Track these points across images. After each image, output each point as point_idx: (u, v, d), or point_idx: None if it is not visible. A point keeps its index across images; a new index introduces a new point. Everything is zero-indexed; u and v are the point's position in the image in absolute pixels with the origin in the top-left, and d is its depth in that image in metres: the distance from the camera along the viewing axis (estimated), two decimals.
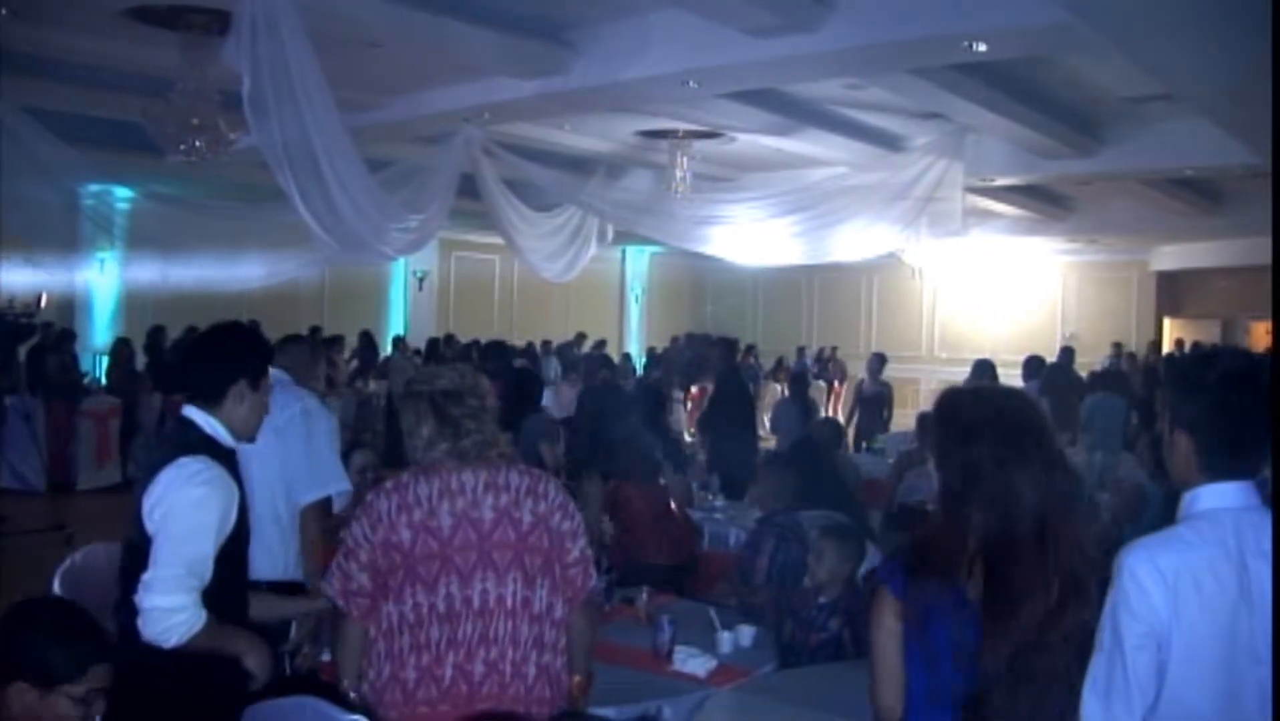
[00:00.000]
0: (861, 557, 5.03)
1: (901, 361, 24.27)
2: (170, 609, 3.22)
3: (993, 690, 2.58)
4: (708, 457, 9.96)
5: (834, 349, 23.15)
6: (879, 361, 14.79)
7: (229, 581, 3.45)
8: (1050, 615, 2.58)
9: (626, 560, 6.25)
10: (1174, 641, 2.52)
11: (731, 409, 10.07)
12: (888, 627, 2.70)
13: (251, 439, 3.65)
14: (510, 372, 10.21)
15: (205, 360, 3.65)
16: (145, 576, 3.26)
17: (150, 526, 3.32)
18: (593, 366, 14.95)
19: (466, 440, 3.31)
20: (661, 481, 7.14)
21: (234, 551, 3.46)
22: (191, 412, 3.53)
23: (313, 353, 5.62)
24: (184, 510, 3.31)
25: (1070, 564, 2.60)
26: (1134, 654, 2.50)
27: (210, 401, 3.52)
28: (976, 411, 2.80)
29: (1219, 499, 2.62)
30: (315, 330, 14.79)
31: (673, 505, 6.93)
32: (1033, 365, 12.83)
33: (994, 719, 2.59)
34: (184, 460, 3.37)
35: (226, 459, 3.48)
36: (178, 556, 3.27)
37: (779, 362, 22.25)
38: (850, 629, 4.76)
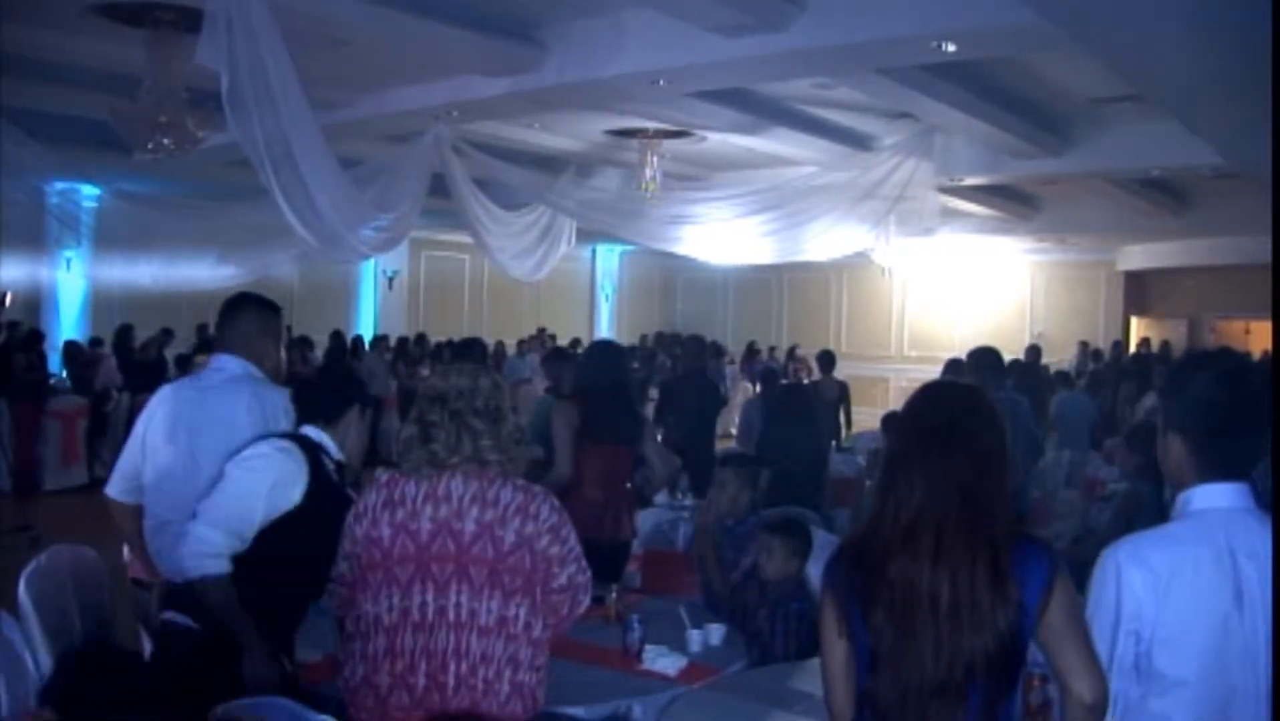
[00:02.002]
0: (807, 552, 4.99)
1: (871, 360, 24.41)
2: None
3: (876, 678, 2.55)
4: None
5: (793, 347, 23.20)
6: (827, 360, 14.57)
7: (271, 575, 3.71)
8: (913, 603, 2.50)
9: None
10: (1160, 638, 2.53)
11: (694, 406, 10.05)
12: (829, 624, 2.66)
13: (356, 465, 4.23)
14: None
15: (327, 387, 4.29)
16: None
17: None
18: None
19: (436, 444, 3.28)
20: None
21: (285, 548, 3.73)
22: (307, 429, 4.02)
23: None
24: (246, 463, 3.77)
25: (939, 551, 2.50)
26: (1117, 645, 2.55)
27: (329, 421, 4.04)
28: (906, 406, 2.79)
29: (1212, 499, 2.65)
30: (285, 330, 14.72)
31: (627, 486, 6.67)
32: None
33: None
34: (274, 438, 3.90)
35: (337, 470, 3.99)
36: (225, 497, 3.70)
37: (749, 348, 22.37)
38: (771, 619, 4.77)
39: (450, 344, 16.66)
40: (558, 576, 3.29)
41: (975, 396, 2.75)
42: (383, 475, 3.36)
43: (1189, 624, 2.57)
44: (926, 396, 2.78)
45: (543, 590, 3.27)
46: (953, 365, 10.63)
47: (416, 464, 3.29)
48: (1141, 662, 2.59)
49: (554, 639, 3.41)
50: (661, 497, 8.37)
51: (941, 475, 2.53)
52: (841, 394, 13.81)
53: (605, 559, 5.56)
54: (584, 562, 3.38)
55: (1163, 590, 2.56)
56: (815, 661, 4.38)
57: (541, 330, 22.07)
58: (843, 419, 13.69)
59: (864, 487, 9.39)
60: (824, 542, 5.22)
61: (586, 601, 3.45)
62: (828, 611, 2.66)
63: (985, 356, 8.05)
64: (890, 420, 2.78)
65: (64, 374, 15.16)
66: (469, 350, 9.81)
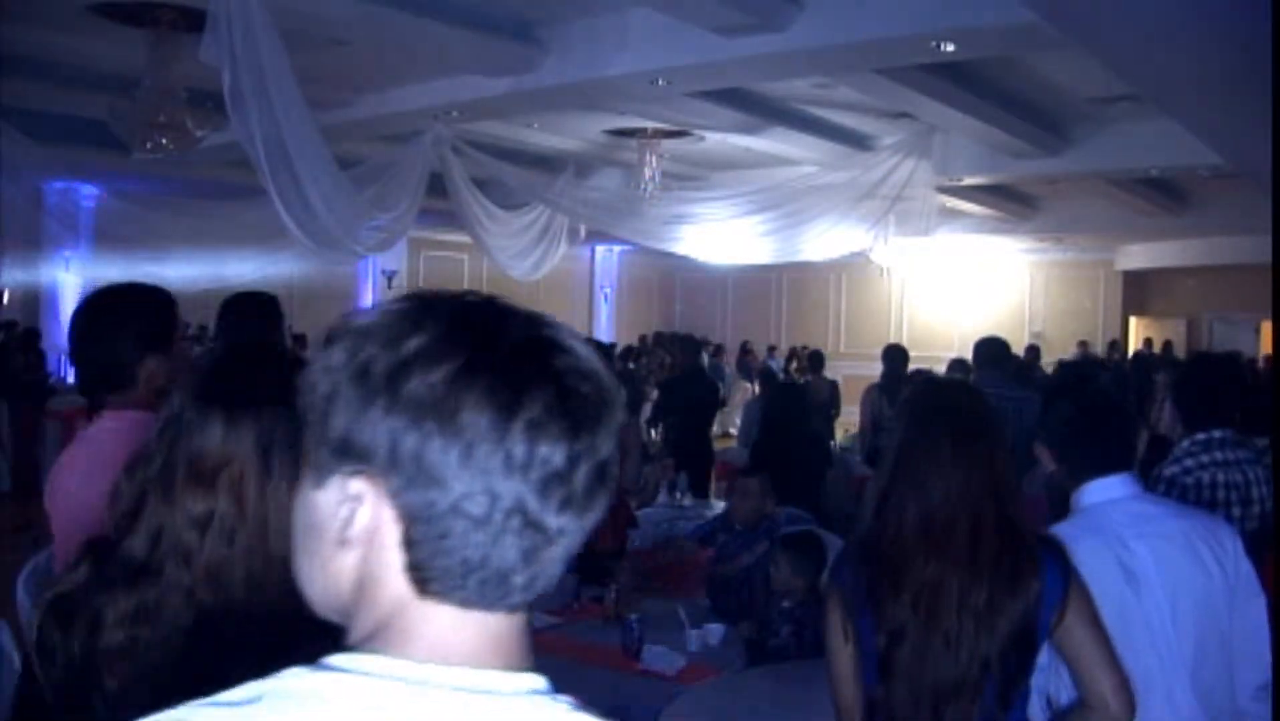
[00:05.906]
0: (821, 567, 4.94)
1: (870, 360, 24.31)
2: None
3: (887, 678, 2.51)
4: (669, 454, 9.93)
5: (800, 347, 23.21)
6: (817, 360, 14.58)
7: None
8: (941, 604, 2.46)
9: None
10: None
11: (691, 405, 10.06)
12: (835, 629, 2.61)
13: None
14: None
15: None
16: None
17: None
18: None
19: None
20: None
21: None
22: None
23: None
24: None
25: (949, 550, 2.47)
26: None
27: None
28: (919, 407, 2.73)
29: (1101, 492, 2.86)
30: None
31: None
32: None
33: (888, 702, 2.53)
34: None
35: None
36: None
37: (743, 348, 22.35)
38: (798, 637, 4.73)
39: None
40: None
41: (980, 394, 2.78)
42: None
43: None
44: (940, 397, 2.76)
45: None
46: (890, 352, 10.54)
47: None
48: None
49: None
50: (661, 497, 8.38)
51: (974, 475, 2.50)
52: (832, 394, 13.84)
53: (578, 570, 5.19)
54: None
55: None
56: (812, 661, 4.40)
57: None
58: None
59: (865, 488, 9.35)
60: (831, 544, 5.24)
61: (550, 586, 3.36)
62: (834, 615, 2.62)
63: (993, 348, 7.96)
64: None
65: (63, 373, 15.15)
66: None
